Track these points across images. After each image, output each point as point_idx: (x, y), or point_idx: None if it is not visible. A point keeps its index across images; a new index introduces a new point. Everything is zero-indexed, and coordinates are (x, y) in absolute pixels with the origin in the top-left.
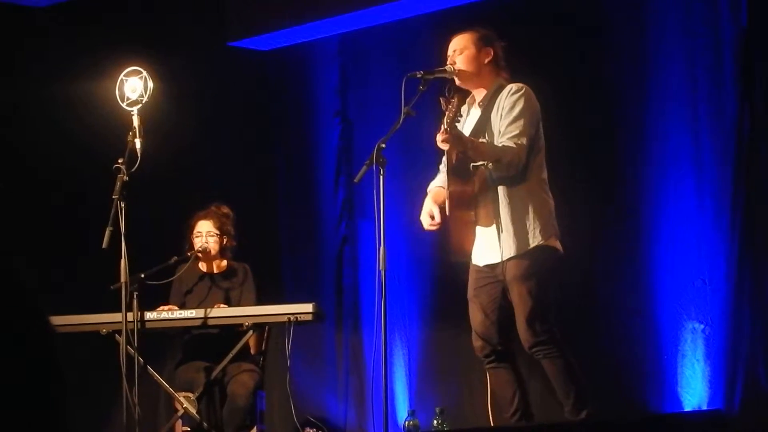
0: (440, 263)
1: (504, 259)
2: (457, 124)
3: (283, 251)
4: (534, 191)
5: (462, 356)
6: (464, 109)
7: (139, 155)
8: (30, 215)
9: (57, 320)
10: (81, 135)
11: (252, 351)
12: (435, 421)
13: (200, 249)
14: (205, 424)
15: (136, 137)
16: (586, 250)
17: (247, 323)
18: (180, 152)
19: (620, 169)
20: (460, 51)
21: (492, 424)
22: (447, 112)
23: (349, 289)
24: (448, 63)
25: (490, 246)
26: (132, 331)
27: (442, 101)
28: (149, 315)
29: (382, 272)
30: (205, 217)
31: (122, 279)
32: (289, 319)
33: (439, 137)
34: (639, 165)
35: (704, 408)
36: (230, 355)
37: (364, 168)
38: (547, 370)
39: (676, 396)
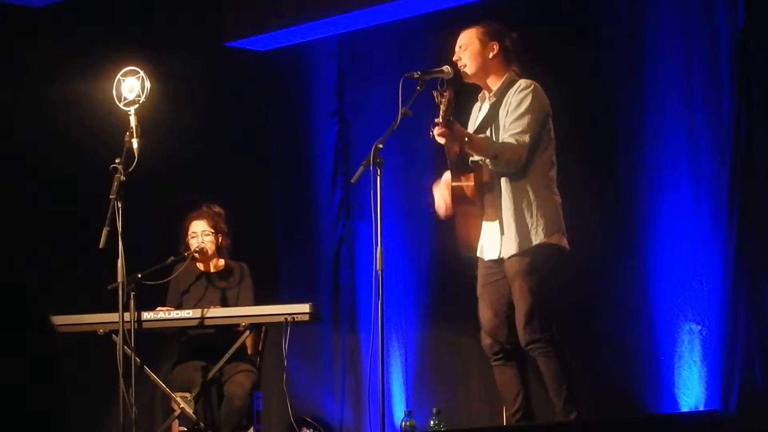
0: (437, 264)
1: (505, 255)
2: (451, 118)
3: (279, 251)
4: (538, 188)
5: (459, 356)
6: (477, 105)
7: (136, 155)
8: (27, 215)
9: (54, 320)
10: (78, 135)
11: (249, 351)
12: (432, 422)
13: (197, 249)
14: (201, 425)
15: (133, 137)
16: (583, 251)
17: (243, 323)
18: (177, 152)
19: (617, 170)
20: (465, 47)
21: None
22: (441, 105)
23: (346, 290)
24: (454, 59)
25: (494, 241)
26: (129, 331)
27: (435, 94)
28: (146, 315)
29: (379, 272)
30: (198, 217)
31: (119, 279)
32: (286, 319)
33: (435, 130)
34: (636, 166)
35: (701, 409)
36: (227, 356)
37: (361, 168)
38: (542, 368)
39: (673, 396)
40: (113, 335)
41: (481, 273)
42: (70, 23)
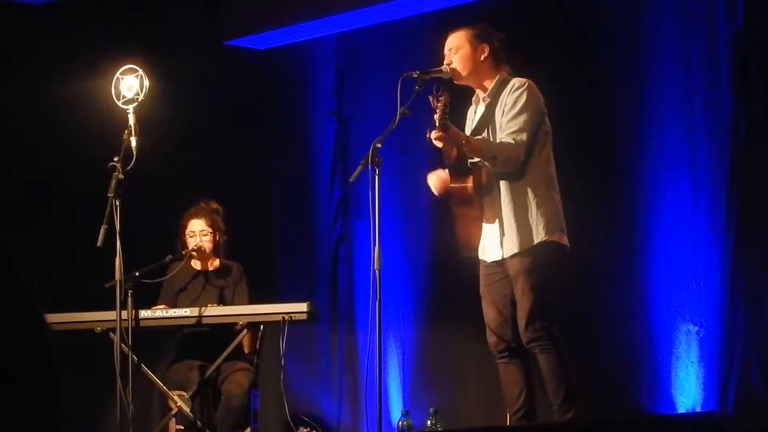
0: (436, 263)
1: (507, 255)
2: (448, 121)
3: (278, 250)
4: (537, 186)
5: (456, 356)
6: (472, 108)
7: (134, 153)
8: (24, 213)
9: (51, 318)
10: (77, 133)
11: (246, 350)
12: (429, 422)
13: (195, 248)
14: (198, 423)
15: (131, 135)
16: (580, 251)
17: (241, 322)
18: (175, 151)
19: (615, 170)
20: (455, 50)
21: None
22: (437, 110)
23: (344, 289)
24: (444, 62)
25: (495, 242)
26: (126, 329)
27: (431, 99)
28: (144, 313)
29: (377, 272)
30: (196, 216)
31: (117, 277)
32: (284, 318)
33: (432, 135)
34: (634, 166)
35: (698, 410)
36: (224, 354)
37: (360, 168)
38: (541, 366)
39: (670, 397)
40: (111, 333)
41: (483, 273)
42: (69, 21)
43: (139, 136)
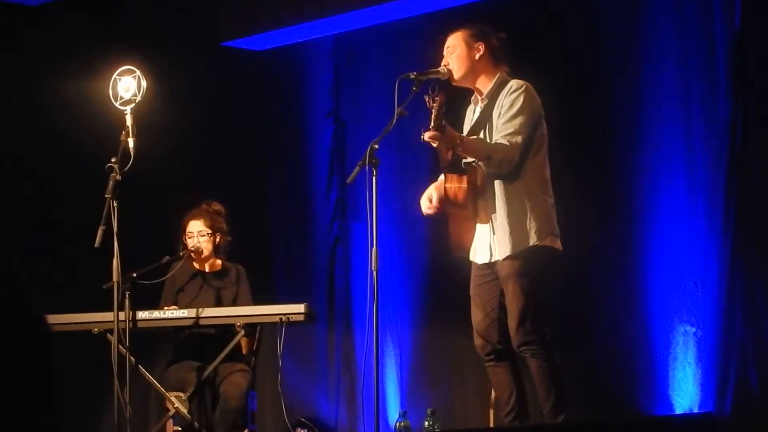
0: (433, 264)
1: (498, 258)
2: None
3: (275, 251)
4: (532, 190)
5: (453, 357)
6: (470, 108)
7: (132, 154)
8: (22, 213)
9: (49, 319)
10: (74, 134)
11: (243, 351)
12: (426, 422)
13: (193, 249)
14: (196, 424)
15: (129, 136)
16: (578, 253)
17: (239, 323)
18: (173, 152)
19: (612, 172)
20: (452, 50)
21: (492, 425)
22: (432, 110)
23: (341, 290)
24: (442, 63)
25: (486, 244)
26: (124, 330)
27: (426, 99)
28: (141, 314)
29: (374, 273)
30: (196, 217)
31: (114, 278)
32: (281, 319)
33: (427, 134)
34: (631, 168)
35: (695, 411)
36: (222, 355)
37: (357, 169)
38: (532, 370)
39: (668, 399)
40: (108, 334)
41: (473, 275)
42: (66, 22)
43: (136, 137)
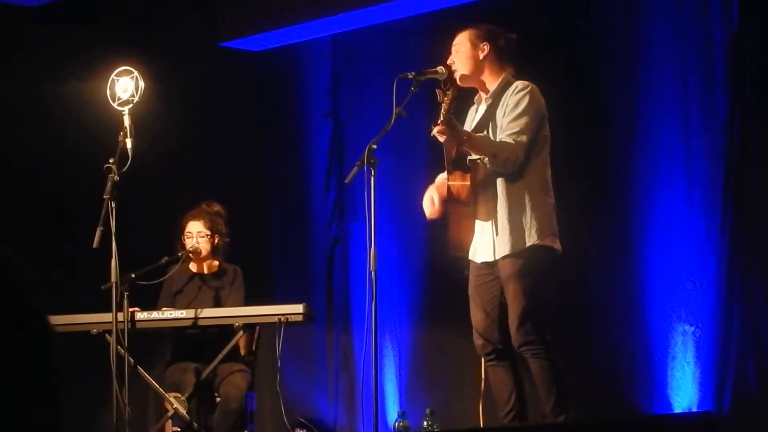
0: (431, 264)
1: (498, 257)
2: (452, 116)
3: (273, 252)
4: (533, 190)
5: (452, 357)
6: (473, 107)
7: (130, 155)
8: (20, 214)
9: (51, 320)
10: (72, 135)
11: (242, 351)
12: (425, 422)
13: (191, 250)
14: (195, 425)
15: (127, 137)
16: (576, 253)
17: (237, 324)
18: (171, 152)
19: (611, 171)
20: (456, 50)
21: (482, 425)
22: (443, 104)
23: (340, 290)
24: (448, 61)
25: (486, 243)
26: (122, 331)
27: (438, 93)
28: (140, 315)
29: (373, 273)
30: (195, 218)
31: (113, 279)
32: (280, 319)
33: (435, 128)
34: (629, 167)
35: (694, 410)
36: (220, 356)
37: (355, 169)
38: (533, 370)
39: (666, 398)
40: (107, 335)
41: (472, 274)
42: (64, 22)
43: (134, 137)
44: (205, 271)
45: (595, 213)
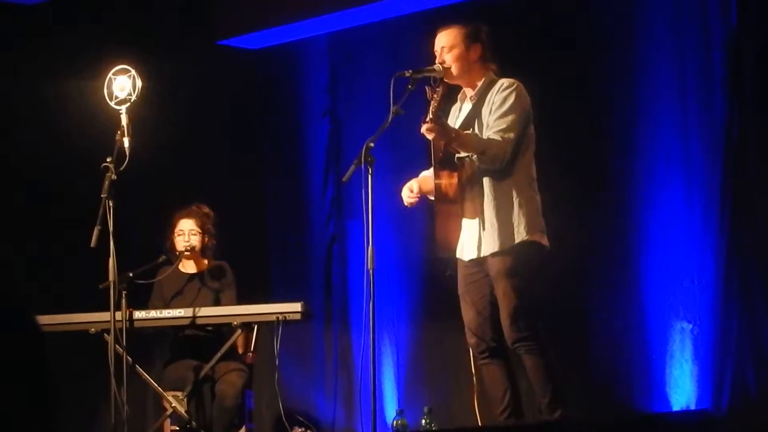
0: (429, 262)
1: (486, 254)
2: (441, 114)
3: (271, 250)
4: (521, 187)
5: (450, 356)
6: (456, 106)
7: (127, 154)
8: (18, 214)
9: (46, 319)
10: (69, 133)
11: (240, 350)
12: (423, 421)
13: (187, 248)
14: (193, 423)
15: (124, 136)
16: (574, 250)
17: (235, 322)
18: (168, 151)
19: (609, 169)
20: (448, 49)
21: (480, 423)
22: (432, 102)
23: (338, 288)
24: (437, 61)
25: (473, 240)
26: (120, 330)
27: (428, 90)
28: (138, 314)
29: (371, 271)
30: (186, 216)
31: (111, 278)
32: (278, 318)
33: (424, 126)
34: (628, 165)
35: (692, 408)
36: (219, 354)
37: (353, 167)
38: (527, 367)
39: (665, 396)
40: (105, 334)
41: (461, 273)
42: (62, 21)
43: (131, 136)
44: (196, 270)
45: (593, 211)
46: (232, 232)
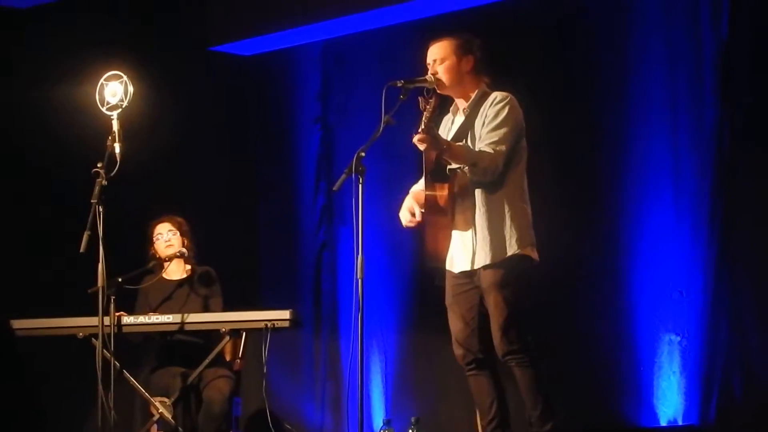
0: (418, 271)
1: (478, 266)
2: (433, 125)
3: (261, 256)
4: (512, 199)
5: (438, 365)
6: (448, 117)
7: (118, 160)
8: (7, 217)
9: (34, 323)
10: (60, 139)
11: (227, 357)
12: (410, 430)
13: (170, 252)
14: (180, 429)
15: (115, 141)
16: (564, 262)
17: (224, 329)
18: (159, 157)
19: (599, 181)
20: (440, 60)
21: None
22: (425, 112)
23: (327, 296)
24: (429, 72)
25: (465, 253)
26: (108, 335)
27: (420, 101)
28: (126, 319)
29: (360, 280)
30: (161, 221)
31: (99, 283)
32: (266, 325)
33: (416, 137)
34: (618, 177)
35: (679, 420)
36: (206, 361)
37: (343, 176)
38: (518, 379)
39: (652, 408)
40: (93, 339)
41: (449, 284)
42: (54, 26)
43: (122, 142)
44: (183, 276)
45: (582, 222)
46: (222, 238)
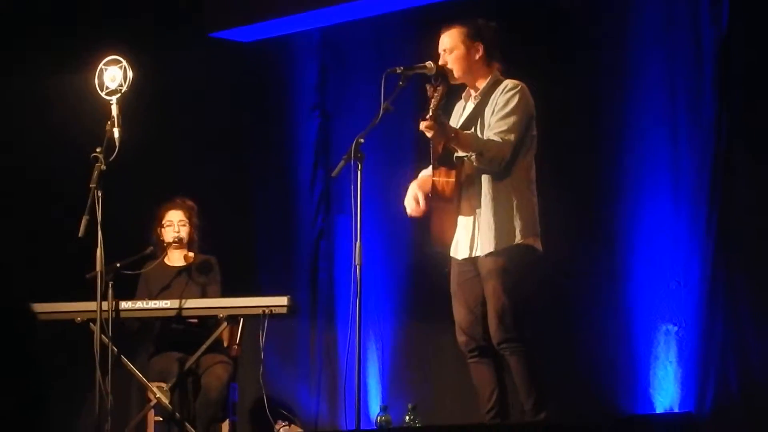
0: (416, 260)
1: (480, 254)
2: (441, 113)
3: (258, 244)
4: (519, 189)
5: (435, 353)
6: (460, 104)
7: (117, 145)
8: (6, 204)
9: (34, 309)
10: (59, 124)
11: (225, 343)
12: (407, 417)
13: (175, 239)
14: (177, 415)
15: (114, 126)
16: (561, 252)
17: (221, 315)
18: (157, 142)
19: (597, 172)
20: (449, 51)
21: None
22: (432, 100)
23: (325, 283)
24: (440, 61)
25: (468, 239)
26: (107, 320)
27: (428, 88)
28: (124, 305)
29: (358, 268)
30: (173, 208)
31: (98, 268)
32: (264, 311)
33: (423, 123)
34: (616, 169)
35: (675, 410)
36: (204, 347)
37: (342, 163)
38: (512, 368)
39: (648, 397)
40: (91, 324)
41: (454, 271)
42: (53, 11)
43: (121, 127)
44: (184, 263)
45: (580, 213)
46: (219, 224)
